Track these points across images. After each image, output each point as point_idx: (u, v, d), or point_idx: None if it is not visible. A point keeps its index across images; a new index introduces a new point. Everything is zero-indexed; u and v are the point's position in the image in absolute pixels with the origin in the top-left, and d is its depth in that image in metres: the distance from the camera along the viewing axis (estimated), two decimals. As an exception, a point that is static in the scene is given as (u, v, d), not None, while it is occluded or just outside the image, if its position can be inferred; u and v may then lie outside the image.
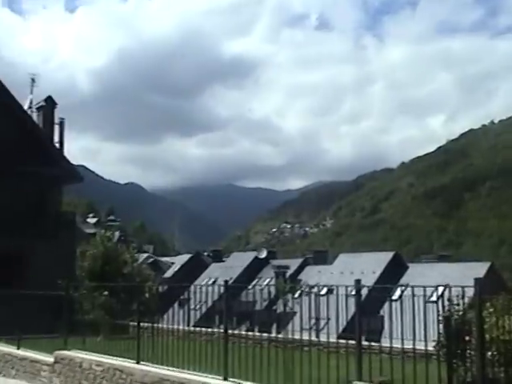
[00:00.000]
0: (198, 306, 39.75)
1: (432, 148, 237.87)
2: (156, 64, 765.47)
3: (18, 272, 28.01)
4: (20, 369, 14.04)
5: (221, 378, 9.08)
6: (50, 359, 12.88)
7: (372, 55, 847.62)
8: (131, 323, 18.09)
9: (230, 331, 9.83)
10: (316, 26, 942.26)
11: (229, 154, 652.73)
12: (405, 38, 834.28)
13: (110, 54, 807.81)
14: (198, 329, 15.95)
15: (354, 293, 8.13)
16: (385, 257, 59.36)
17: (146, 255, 78.86)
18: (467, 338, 8.16)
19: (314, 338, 10.55)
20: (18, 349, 14.59)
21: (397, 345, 7.96)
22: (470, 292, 7.62)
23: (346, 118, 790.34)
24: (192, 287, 14.29)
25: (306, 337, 9.54)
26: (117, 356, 11.47)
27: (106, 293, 21.50)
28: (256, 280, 62.71)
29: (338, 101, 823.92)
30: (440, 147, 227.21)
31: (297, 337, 9.65)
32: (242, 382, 8.79)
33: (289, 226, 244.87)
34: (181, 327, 12.07)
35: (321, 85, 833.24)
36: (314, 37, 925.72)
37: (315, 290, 9.89)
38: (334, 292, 8.42)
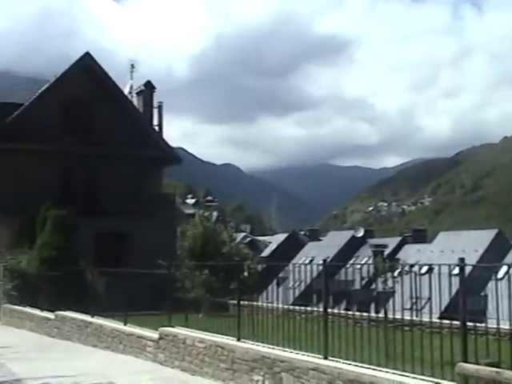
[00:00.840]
0: (295, 285, 39.99)
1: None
2: (250, 46, 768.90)
3: (124, 250, 29.18)
4: (127, 344, 14.59)
5: (321, 356, 9.09)
6: (155, 335, 13.30)
7: (470, 26, 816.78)
8: (231, 301, 18.46)
9: (329, 310, 9.84)
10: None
11: (324, 133, 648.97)
12: (506, 6, 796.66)
13: (206, 38, 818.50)
14: (296, 307, 16.04)
15: (456, 271, 7.93)
16: (487, 235, 57.49)
17: (243, 235, 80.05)
18: None
19: (414, 317, 10.39)
20: (125, 325, 15.14)
21: (503, 326, 7.72)
22: None
23: (443, 93, 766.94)
24: (289, 266, 14.36)
25: (405, 316, 9.42)
26: (218, 333, 11.70)
27: (206, 272, 22.02)
28: (353, 259, 62.36)
29: (435, 75, 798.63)
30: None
31: (397, 316, 9.53)
32: (342, 361, 8.78)
33: (386, 205, 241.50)
34: (279, 305, 12.18)
35: (417, 60, 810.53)
36: (410, 10, 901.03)
37: (415, 268, 9.69)
38: (434, 271, 8.25)
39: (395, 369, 8.03)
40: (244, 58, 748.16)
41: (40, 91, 31.41)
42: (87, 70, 31.23)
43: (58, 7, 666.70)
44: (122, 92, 32.61)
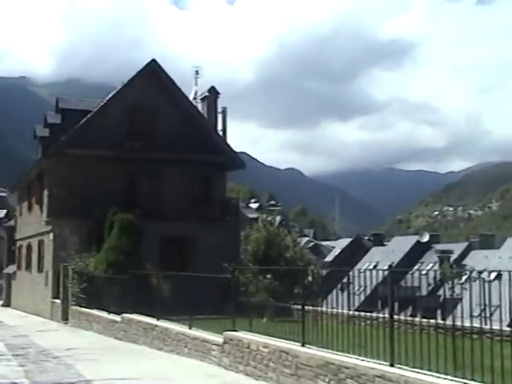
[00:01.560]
0: (359, 291, 39.60)
1: None
2: (313, 50, 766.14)
3: (188, 254, 29.55)
4: (192, 348, 14.68)
5: (387, 363, 8.95)
6: (220, 339, 13.35)
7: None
8: (294, 306, 18.38)
9: (395, 316, 9.68)
10: (477, 1, 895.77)
11: (388, 137, 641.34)
12: None
13: (270, 43, 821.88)
14: (361, 313, 15.86)
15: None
16: (559, 241, 55.59)
17: (306, 239, 79.74)
18: None
19: (484, 325, 10.11)
20: (190, 328, 15.25)
21: None
22: None
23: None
24: (354, 271, 14.16)
25: (474, 324, 9.15)
26: (282, 338, 11.66)
27: (269, 276, 22.02)
28: (418, 265, 61.26)
29: (503, 77, 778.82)
30: None
31: (466, 324, 9.29)
32: (408, 369, 8.61)
33: (451, 209, 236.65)
34: (344, 311, 12.06)
35: (484, 61, 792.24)
36: (476, 11, 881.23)
37: (484, 275, 9.43)
38: (504, 277, 8.01)
39: (464, 378, 7.83)
40: (307, 63, 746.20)
41: (107, 98, 32.13)
42: (153, 76, 31.76)
43: (125, 17, 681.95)
44: (186, 98, 33.04)
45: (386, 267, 9.95)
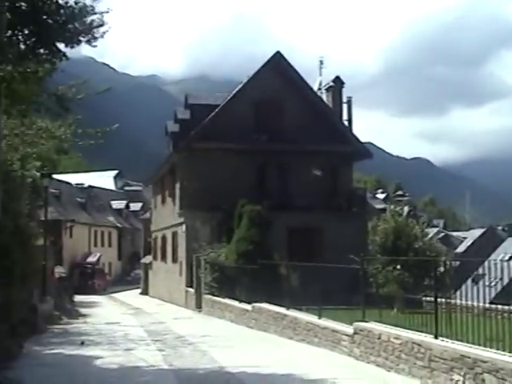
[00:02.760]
0: (494, 282, 38.06)
1: None
2: (440, 36, 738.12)
3: (315, 244, 29.67)
4: (322, 337, 14.75)
5: (527, 358, 8.61)
6: (350, 330, 13.32)
7: None
8: (426, 298, 18.00)
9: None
10: None
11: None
12: None
13: (394, 29, 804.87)
14: (497, 306, 15.28)
15: None
16: None
17: (436, 230, 77.71)
18: None
19: None
20: (320, 318, 15.33)
21: None
22: None
23: None
24: (487, 263, 13.66)
25: None
26: (413, 330, 11.48)
27: (398, 267, 21.69)
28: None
29: None
30: None
31: None
32: (551, 364, 8.24)
33: None
34: (478, 303, 11.69)
35: None
36: None
37: None
38: None
39: None
40: (434, 48, 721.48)
41: (234, 92, 32.80)
42: (278, 68, 32.10)
43: (248, 12, 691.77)
44: (311, 88, 33.11)
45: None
